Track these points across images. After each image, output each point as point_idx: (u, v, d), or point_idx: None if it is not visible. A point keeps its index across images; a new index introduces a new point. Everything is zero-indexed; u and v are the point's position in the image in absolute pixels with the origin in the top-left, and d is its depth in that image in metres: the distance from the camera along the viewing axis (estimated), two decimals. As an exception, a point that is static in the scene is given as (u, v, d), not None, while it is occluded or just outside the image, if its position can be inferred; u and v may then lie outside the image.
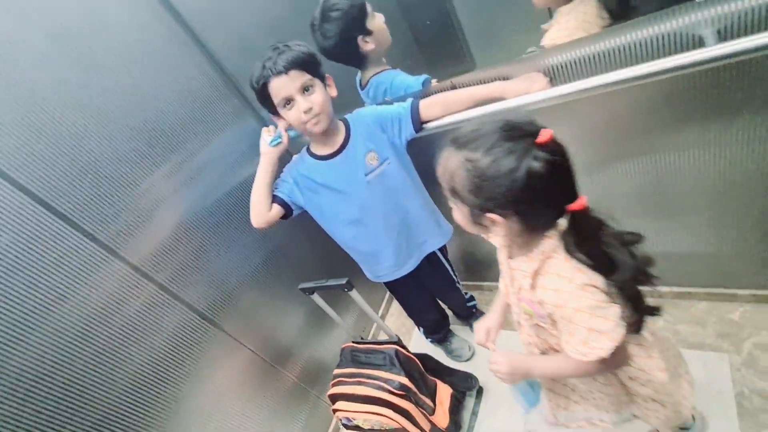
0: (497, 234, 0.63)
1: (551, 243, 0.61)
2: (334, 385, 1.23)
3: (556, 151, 0.54)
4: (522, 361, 0.77)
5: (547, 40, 1.17)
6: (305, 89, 0.96)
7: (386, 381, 1.15)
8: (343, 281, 1.10)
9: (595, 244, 0.59)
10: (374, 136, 1.08)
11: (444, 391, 1.30)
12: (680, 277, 1.27)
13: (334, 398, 1.22)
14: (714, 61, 0.71)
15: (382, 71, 1.23)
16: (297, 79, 0.94)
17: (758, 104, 0.83)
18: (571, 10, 1.10)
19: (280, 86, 0.94)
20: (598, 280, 0.59)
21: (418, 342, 1.67)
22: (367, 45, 1.14)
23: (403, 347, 1.23)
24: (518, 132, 0.55)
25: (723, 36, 0.73)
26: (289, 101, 0.96)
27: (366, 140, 1.07)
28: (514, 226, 0.59)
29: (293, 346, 1.43)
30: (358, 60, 1.21)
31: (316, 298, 1.23)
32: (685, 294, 1.28)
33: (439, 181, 0.64)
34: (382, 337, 1.35)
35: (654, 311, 0.66)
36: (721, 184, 1.00)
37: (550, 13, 1.13)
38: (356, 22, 1.11)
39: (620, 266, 0.59)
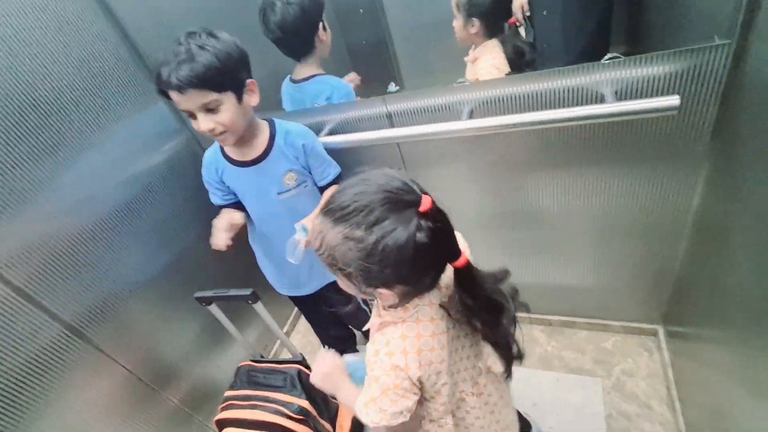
0: (382, 303, 0.61)
1: (401, 314, 0.61)
2: (223, 408, 1.11)
3: (438, 217, 0.53)
4: (337, 379, 0.77)
5: (470, 75, 1.25)
6: (209, 108, 0.84)
7: (285, 404, 1.07)
8: (248, 292, 1.01)
9: (482, 292, 0.60)
10: (299, 159, 1.02)
11: (346, 415, 1.25)
12: (567, 307, 1.40)
13: (222, 424, 1.10)
14: (610, 116, 0.80)
15: (323, 73, 1.20)
16: (197, 98, 0.82)
17: (635, 160, 0.96)
18: (482, 53, 1.21)
19: (178, 101, 0.83)
20: (413, 370, 0.59)
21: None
22: (321, 38, 1.12)
23: (307, 367, 1.17)
24: (401, 204, 0.51)
25: (619, 96, 0.84)
26: (191, 114, 0.86)
27: (290, 160, 1.01)
28: (401, 293, 0.57)
29: (180, 365, 1.28)
30: (307, 48, 1.13)
31: (213, 309, 1.11)
32: (570, 323, 1.41)
33: (318, 254, 0.58)
34: (286, 355, 1.26)
35: (520, 356, 0.69)
36: (599, 227, 1.13)
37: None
38: (319, 6, 1.08)
39: (506, 307, 0.62)
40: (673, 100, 0.71)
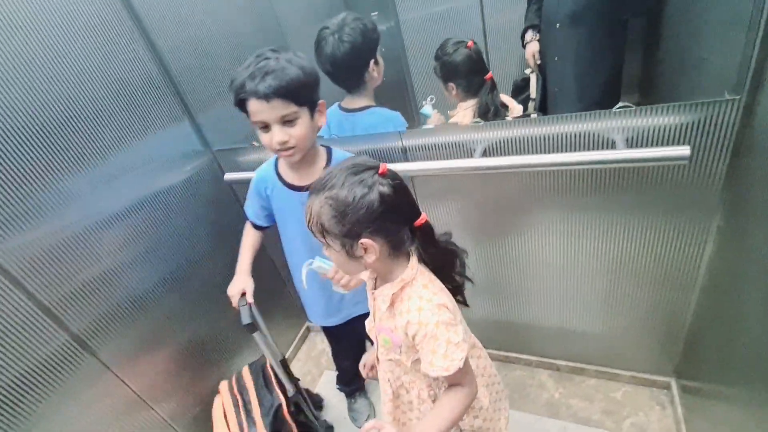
0: (370, 260, 0.68)
1: (411, 272, 0.71)
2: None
3: (395, 178, 0.67)
4: None
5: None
6: (286, 120, 0.86)
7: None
8: (245, 322, 1.03)
9: (438, 245, 0.74)
10: None
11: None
12: (576, 353, 1.36)
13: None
14: (621, 162, 0.81)
15: (375, 105, 1.20)
16: (279, 109, 0.84)
17: (647, 208, 0.97)
18: (457, 114, 1.32)
19: (259, 110, 0.84)
20: (448, 301, 0.72)
21: (325, 384, 1.60)
22: (373, 71, 1.13)
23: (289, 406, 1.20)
24: (363, 167, 0.66)
25: (630, 144, 0.85)
26: (265, 126, 0.87)
27: None
28: (384, 249, 0.68)
29: (184, 389, 1.27)
30: (358, 80, 1.14)
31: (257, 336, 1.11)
32: (579, 369, 1.37)
33: (310, 230, 0.70)
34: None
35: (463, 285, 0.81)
36: (610, 272, 1.12)
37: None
38: (373, 43, 1.09)
39: (459, 255, 0.77)
40: (684, 150, 0.73)
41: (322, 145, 1.03)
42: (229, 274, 1.10)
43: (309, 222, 0.68)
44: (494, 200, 1.11)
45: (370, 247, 0.66)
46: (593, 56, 1.32)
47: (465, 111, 1.28)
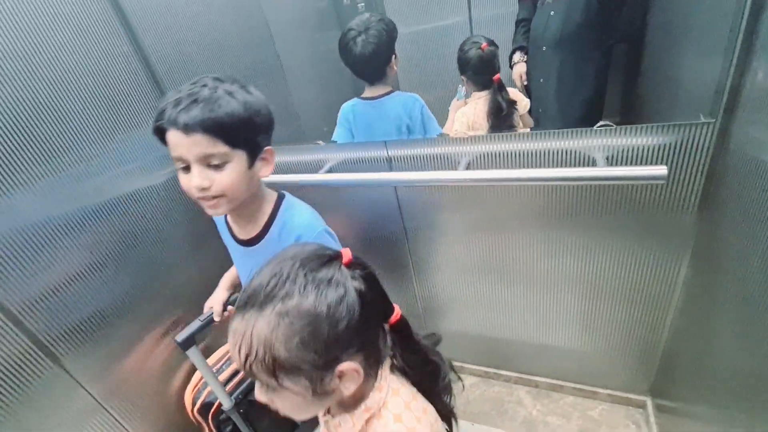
0: (349, 390, 0.50)
1: (379, 396, 0.53)
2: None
3: (364, 265, 0.51)
4: None
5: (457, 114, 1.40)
6: (211, 163, 0.69)
7: None
8: (180, 339, 1.00)
9: (417, 351, 0.58)
10: None
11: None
12: (554, 370, 1.36)
13: None
14: (600, 180, 0.83)
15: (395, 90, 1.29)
16: (201, 145, 0.67)
17: (625, 226, 0.98)
18: (470, 102, 1.39)
19: (176, 144, 0.68)
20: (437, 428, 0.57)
21: None
22: (393, 64, 1.23)
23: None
24: (321, 259, 0.49)
25: (611, 162, 0.87)
26: (185, 165, 0.70)
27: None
28: (363, 360, 0.51)
29: (152, 401, 1.22)
30: (381, 74, 1.24)
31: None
32: (557, 386, 1.37)
33: (248, 371, 0.47)
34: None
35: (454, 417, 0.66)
36: (588, 290, 1.13)
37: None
38: (393, 40, 1.20)
39: (441, 366, 0.62)
40: (661, 170, 0.74)
41: (275, 190, 0.87)
42: (206, 280, 1.07)
43: (246, 360, 0.46)
44: (478, 214, 1.12)
45: (351, 372, 0.48)
46: (576, 79, 1.37)
47: (477, 101, 1.36)
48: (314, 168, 1.13)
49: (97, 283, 1.06)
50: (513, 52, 1.54)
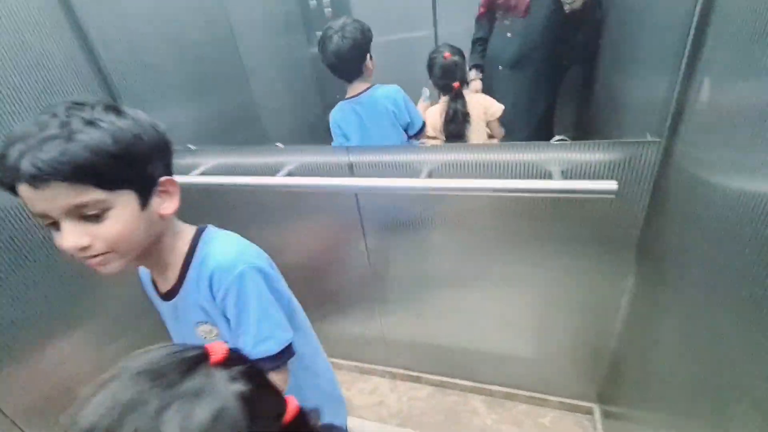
0: None
1: None
2: None
3: (240, 358, 0.38)
4: None
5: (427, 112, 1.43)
6: (86, 214, 0.52)
7: None
8: None
9: None
10: (211, 306, 0.65)
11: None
12: (508, 378, 1.38)
13: None
14: (555, 192, 0.85)
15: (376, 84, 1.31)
16: (63, 197, 0.50)
17: (575, 238, 1.02)
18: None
19: (30, 199, 0.50)
20: None
21: None
22: (369, 63, 1.26)
23: None
24: (183, 367, 0.34)
25: (566, 175, 0.90)
26: (50, 221, 0.52)
27: (201, 304, 0.66)
28: None
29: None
30: (358, 71, 1.26)
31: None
32: (511, 395, 1.39)
33: None
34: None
35: None
36: (539, 298, 1.16)
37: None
38: (368, 39, 1.23)
39: None
40: (612, 185, 0.77)
41: (195, 225, 0.69)
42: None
43: None
44: (438, 223, 1.12)
45: None
46: (531, 97, 1.45)
47: (441, 104, 1.40)
48: (273, 171, 1.09)
49: (25, 288, 0.96)
50: (469, 69, 1.59)
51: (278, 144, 1.16)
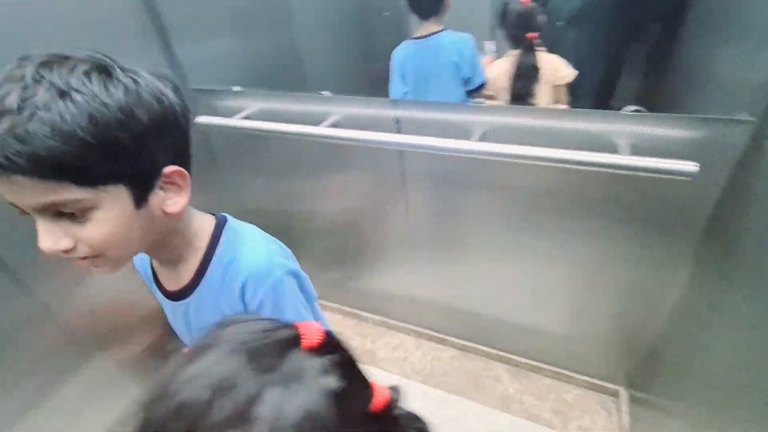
0: None
1: None
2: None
3: (338, 345, 0.34)
4: None
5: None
6: (64, 212, 0.41)
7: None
8: None
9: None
10: (230, 309, 0.57)
11: None
12: (536, 351, 1.37)
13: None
14: (624, 168, 0.78)
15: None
16: (31, 193, 0.38)
17: (632, 219, 0.94)
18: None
19: (5, 189, 0.39)
20: None
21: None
22: (449, 1, 1.20)
23: None
24: (276, 350, 0.31)
25: (634, 150, 0.81)
26: (24, 212, 0.42)
27: (224, 305, 0.57)
28: None
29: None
30: (438, 8, 1.20)
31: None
32: (537, 368, 1.38)
33: None
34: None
35: None
36: (583, 275, 1.10)
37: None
38: None
39: None
40: (691, 166, 0.69)
41: (212, 214, 0.59)
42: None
43: None
44: (482, 186, 1.07)
45: None
46: (594, 58, 1.29)
47: (508, 58, 1.27)
48: (317, 121, 1.06)
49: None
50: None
51: (324, 92, 1.11)
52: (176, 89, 0.46)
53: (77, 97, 0.37)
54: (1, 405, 0.93)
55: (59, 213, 0.40)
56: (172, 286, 0.58)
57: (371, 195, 1.26)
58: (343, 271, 1.55)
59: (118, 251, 0.45)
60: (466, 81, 1.21)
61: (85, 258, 0.44)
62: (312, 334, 0.32)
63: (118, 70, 0.41)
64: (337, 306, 1.69)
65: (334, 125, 1.06)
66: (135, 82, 0.41)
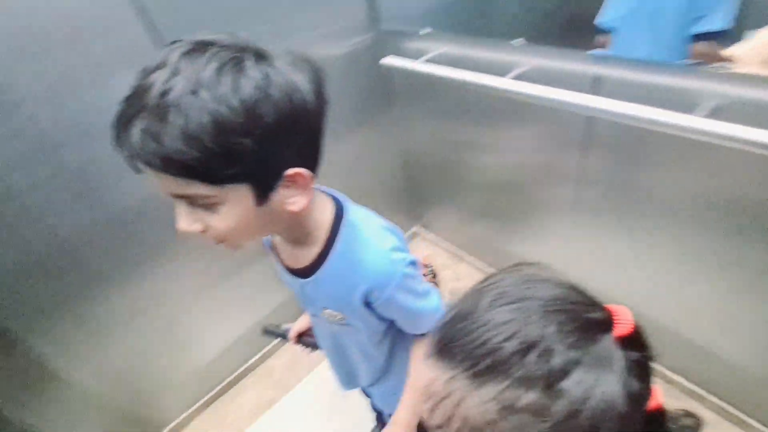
0: None
1: None
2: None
3: (643, 344, 0.33)
4: None
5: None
6: (197, 203, 0.45)
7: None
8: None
9: None
10: (349, 302, 0.60)
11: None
12: (710, 382, 1.15)
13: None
14: None
15: None
16: (167, 184, 0.42)
17: None
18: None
19: (148, 174, 0.42)
20: None
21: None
22: None
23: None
24: (587, 329, 0.30)
25: None
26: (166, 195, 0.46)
27: (334, 294, 0.61)
28: None
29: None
30: None
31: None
32: (697, 395, 1.17)
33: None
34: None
35: None
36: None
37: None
38: None
39: None
40: None
41: (328, 194, 0.60)
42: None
43: (445, 427, 0.32)
44: (692, 176, 0.87)
45: None
46: None
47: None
48: (502, 71, 0.98)
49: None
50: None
51: (517, 40, 1.02)
52: (315, 78, 0.44)
53: (206, 96, 0.37)
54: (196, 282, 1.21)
55: (192, 203, 0.45)
56: (289, 261, 0.62)
57: (541, 157, 1.15)
58: (490, 229, 1.51)
59: (240, 239, 0.49)
60: (696, 21, 0.91)
61: (214, 241, 0.49)
62: (625, 323, 0.31)
63: (252, 61, 0.40)
64: (472, 261, 1.68)
65: (520, 77, 0.97)
66: (266, 77, 0.40)
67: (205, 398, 1.42)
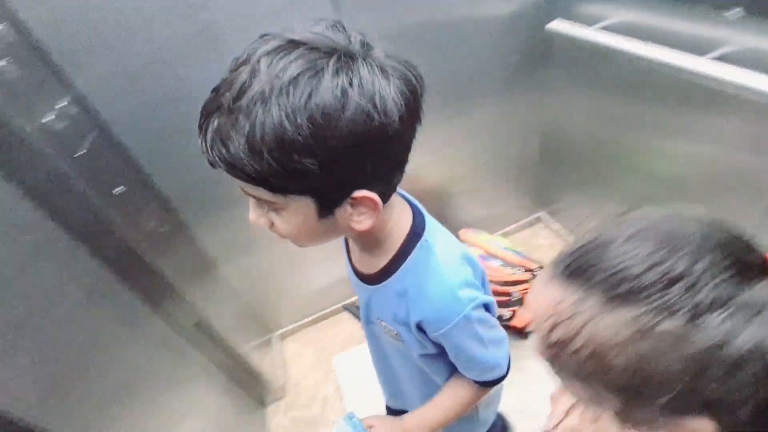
0: None
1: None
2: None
3: None
4: None
5: None
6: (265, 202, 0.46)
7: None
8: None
9: None
10: (403, 323, 0.58)
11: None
12: None
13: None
14: None
15: None
16: (241, 183, 0.42)
17: None
18: None
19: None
20: None
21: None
22: None
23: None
24: (742, 271, 0.28)
25: None
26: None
27: (389, 312, 0.59)
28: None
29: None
30: None
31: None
32: None
33: (551, 350, 0.34)
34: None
35: None
36: None
37: None
38: None
39: None
40: None
41: (405, 200, 0.56)
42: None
43: (566, 348, 0.32)
44: None
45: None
46: None
47: None
48: (699, 48, 0.82)
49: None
50: None
51: (731, 11, 0.82)
52: (407, 89, 0.39)
53: (275, 107, 0.35)
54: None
55: (259, 200, 0.45)
56: (357, 263, 0.61)
57: (738, 158, 0.92)
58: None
59: (303, 243, 0.49)
60: None
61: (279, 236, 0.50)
62: None
63: (333, 70, 0.36)
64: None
65: (723, 58, 0.80)
66: (344, 91, 0.36)
67: (311, 317, 1.61)
